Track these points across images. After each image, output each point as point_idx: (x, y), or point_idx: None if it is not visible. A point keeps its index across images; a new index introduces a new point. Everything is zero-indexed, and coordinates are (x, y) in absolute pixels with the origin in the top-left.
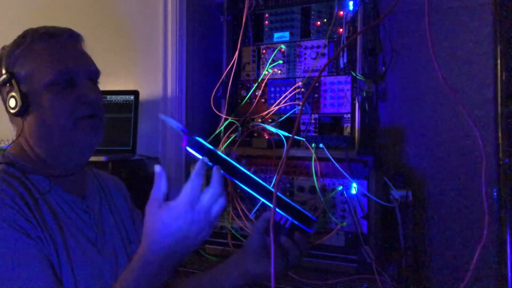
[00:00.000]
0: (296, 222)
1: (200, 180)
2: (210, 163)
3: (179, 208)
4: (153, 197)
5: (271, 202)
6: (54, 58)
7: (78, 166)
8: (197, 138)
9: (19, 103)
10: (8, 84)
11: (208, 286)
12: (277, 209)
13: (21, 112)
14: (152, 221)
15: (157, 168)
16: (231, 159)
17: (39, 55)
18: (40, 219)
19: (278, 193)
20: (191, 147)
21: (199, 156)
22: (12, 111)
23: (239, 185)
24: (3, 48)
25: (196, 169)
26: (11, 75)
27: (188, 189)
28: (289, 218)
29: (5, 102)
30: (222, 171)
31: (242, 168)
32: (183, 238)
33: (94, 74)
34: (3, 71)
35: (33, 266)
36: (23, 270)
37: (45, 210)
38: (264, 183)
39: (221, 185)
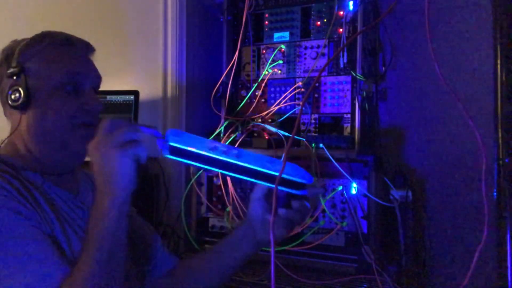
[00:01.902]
0: (286, 190)
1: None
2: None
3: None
4: None
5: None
6: (67, 63)
7: (70, 168)
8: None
9: (23, 96)
10: (14, 77)
11: (218, 261)
12: (263, 183)
13: (22, 106)
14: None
15: None
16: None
17: (53, 57)
18: (37, 207)
19: (256, 167)
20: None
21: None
22: (12, 103)
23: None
24: (15, 41)
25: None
26: (22, 69)
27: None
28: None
29: (0, 94)
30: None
31: (228, 159)
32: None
33: (97, 83)
34: (14, 64)
35: (35, 242)
36: (26, 247)
37: (42, 200)
38: (251, 166)
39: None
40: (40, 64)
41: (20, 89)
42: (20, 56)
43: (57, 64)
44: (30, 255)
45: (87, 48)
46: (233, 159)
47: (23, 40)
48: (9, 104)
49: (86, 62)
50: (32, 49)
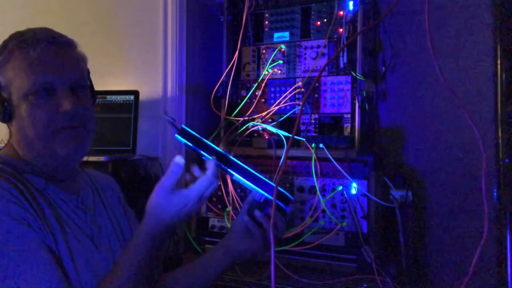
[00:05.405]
0: (273, 199)
1: (212, 180)
2: (219, 163)
3: (189, 197)
4: (165, 182)
5: (261, 189)
6: (32, 68)
7: (65, 173)
8: (185, 127)
9: (1, 111)
10: None
11: (198, 269)
12: (255, 187)
13: (5, 119)
14: (160, 202)
15: (178, 159)
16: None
17: (17, 64)
18: (39, 212)
19: (253, 171)
20: (182, 136)
21: (189, 144)
22: None
23: (231, 173)
24: None
25: (212, 170)
26: None
27: (201, 184)
28: (267, 195)
29: None
30: (217, 162)
31: (233, 159)
32: (179, 218)
33: (75, 82)
34: None
35: (37, 256)
36: (27, 260)
37: (44, 204)
38: (253, 171)
39: (216, 176)
40: (6, 75)
41: None
42: None
43: (21, 71)
44: (30, 268)
45: (53, 44)
46: (231, 156)
47: None
48: None
49: (54, 61)
50: None
